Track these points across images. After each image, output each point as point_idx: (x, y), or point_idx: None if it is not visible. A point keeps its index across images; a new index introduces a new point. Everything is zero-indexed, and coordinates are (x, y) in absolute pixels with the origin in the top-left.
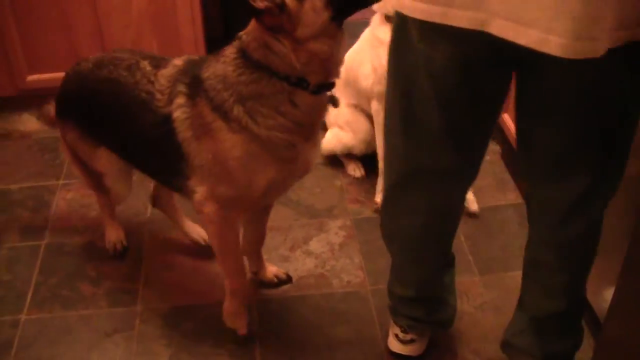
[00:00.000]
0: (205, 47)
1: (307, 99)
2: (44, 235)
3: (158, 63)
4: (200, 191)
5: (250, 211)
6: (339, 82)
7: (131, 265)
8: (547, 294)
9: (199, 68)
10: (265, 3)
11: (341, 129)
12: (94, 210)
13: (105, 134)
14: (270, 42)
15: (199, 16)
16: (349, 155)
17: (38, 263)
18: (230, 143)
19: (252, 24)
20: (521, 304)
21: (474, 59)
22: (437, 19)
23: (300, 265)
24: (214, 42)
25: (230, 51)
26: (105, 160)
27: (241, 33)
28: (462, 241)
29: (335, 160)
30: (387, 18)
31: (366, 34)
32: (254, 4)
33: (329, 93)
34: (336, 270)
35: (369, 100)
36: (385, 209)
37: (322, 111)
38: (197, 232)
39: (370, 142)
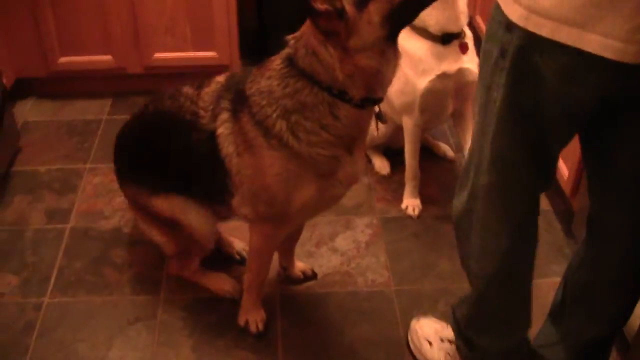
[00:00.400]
0: (239, 37)
1: (350, 112)
2: (70, 218)
3: (200, 84)
4: (245, 212)
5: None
6: None
7: (155, 253)
8: (595, 319)
9: (243, 83)
10: (326, 6)
11: None
12: (120, 195)
13: (161, 169)
14: (317, 49)
15: (233, 5)
16: (377, 150)
17: (63, 246)
18: (270, 160)
19: (304, 29)
20: (557, 321)
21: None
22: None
23: (326, 262)
24: (247, 33)
25: (277, 63)
26: (170, 202)
27: (290, 37)
28: None
29: None
30: (413, 27)
31: None
32: (314, 4)
33: (375, 108)
34: (361, 268)
35: (389, 102)
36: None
37: (366, 126)
38: (235, 245)
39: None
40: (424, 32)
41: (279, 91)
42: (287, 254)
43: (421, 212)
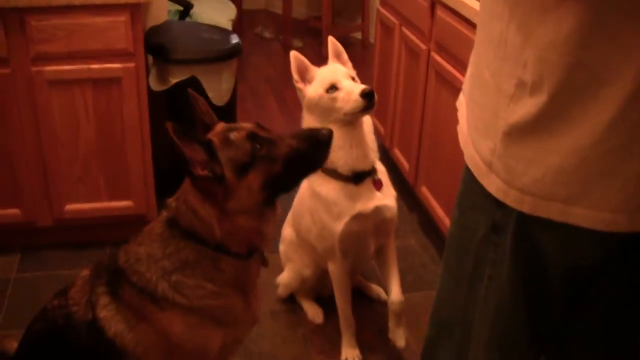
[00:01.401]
0: (155, 182)
1: (234, 264)
2: None
3: (64, 289)
4: None
5: None
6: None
7: None
8: None
9: (115, 262)
10: (206, 172)
11: (289, 261)
12: None
13: None
14: (196, 207)
15: (148, 152)
16: (307, 297)
17: None
18: (167, 321)
19: (183, 188)
20: None
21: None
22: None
23: None
24: (162, 173)
25: (157, 227)
26: None
27: (170, 200)
28: None
29: (295, 307)
30: (323, 169)
31: (304, 184)
32: (193, 170)
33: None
34: None
35: (311, 243)
36: None
37: (254, 272)
38: None
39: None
40: (334, 174)
41: (159, 254)
42: None
43: None
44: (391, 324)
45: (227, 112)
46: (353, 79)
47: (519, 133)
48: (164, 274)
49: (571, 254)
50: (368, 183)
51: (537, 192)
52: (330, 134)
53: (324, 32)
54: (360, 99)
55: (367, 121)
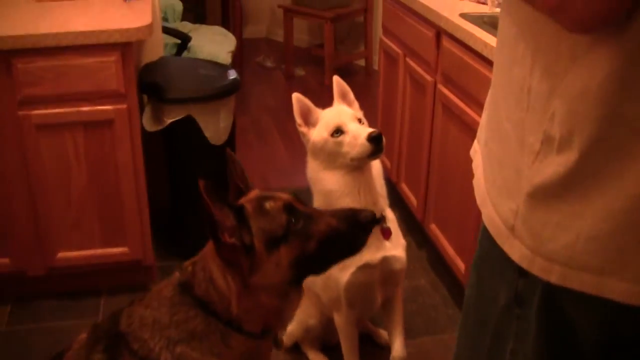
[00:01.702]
0: (152, 225)
1: (245, 342)
2: None
3: (61, 352)
4: None
5: None
6: None
7: None
8: None
9: (116, 325)
10: (234, 239)
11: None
12: None
13: None
14: (215, 276)
15: (144, 196)
16: (313, 346)
17: None
18: None
19: (204, 253)
20: None
21: None
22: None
23: None
24: (159, 214)
25: (168, 290)
26: None
27: (187, 263)
28: None
29: (300, 357)
30: None
31: None
32: (221, 236)
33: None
34: None
35: (316, 293)
36: None
37: (263, 354)
38: None
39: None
40: None
41: (166, 320)
42: None
43: None
44: None
45: (226, 152)
46: (360, 120)
47: (546, 194)
48: (169, 344)
49: (607, 329)
50: (376, 231)
51: (566, 261)
52: (372, 217)
53: (326, 60)
54: (367, 144)
55: (376, 165)
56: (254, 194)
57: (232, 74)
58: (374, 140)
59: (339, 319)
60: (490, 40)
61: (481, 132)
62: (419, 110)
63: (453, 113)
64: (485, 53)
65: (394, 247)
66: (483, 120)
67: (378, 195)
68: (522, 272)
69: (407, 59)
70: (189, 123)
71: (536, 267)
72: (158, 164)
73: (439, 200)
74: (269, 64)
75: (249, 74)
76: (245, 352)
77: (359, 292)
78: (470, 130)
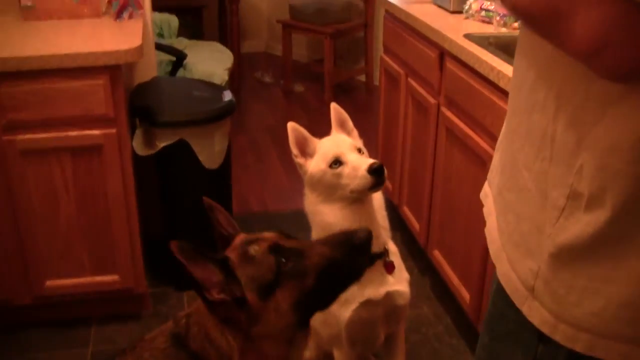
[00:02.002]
0: (143, 251)
1: None
2: None
3: None
4: None
5: None
6: None
7: None
8: None
9: None
10: (223, 295)
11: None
12: None
13: None
14: (212, 333)
15: (135, 222)
16: None
17: None
18: None
19: (197, 308)
20: None
21: None
22: None
23: None
24: (152, 243)
25: (160, 340)
26: None
27: (181, 314)
28: None
29: None
30: None
31: None
32: (206, 294)
33: None
34: None
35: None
36: None
37: None
38: None
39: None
40: None
41: None
42: None
43: None
44: None
45: (221, 176)
46: (359, 150)
47: (571, 256)
48: None
49: None
50: (379, 266)
51: (594, 329)
52: (368, 235)
53: (326, 76)
54: (368, 176)
55: (377, 197)
56: (238, 239)
57: (227, 96)
58: (375, 172)
59: (339, 356)
60: (497, 63)
61: (493, 176)
62: (422, 132)
63: (457, 137)
64: (491, 77)
65: (398, 282)
66: (495, 163)
67: (380, 228)
68: (542, 338)
69: (409, 79)
70: (182, 147)
71: (559, 334)
72: (150, 189)
73: (443, 225)
74: (267, 79)
75: (247, 90)
76: None
77: (360, 329)
78: (475, 155)
